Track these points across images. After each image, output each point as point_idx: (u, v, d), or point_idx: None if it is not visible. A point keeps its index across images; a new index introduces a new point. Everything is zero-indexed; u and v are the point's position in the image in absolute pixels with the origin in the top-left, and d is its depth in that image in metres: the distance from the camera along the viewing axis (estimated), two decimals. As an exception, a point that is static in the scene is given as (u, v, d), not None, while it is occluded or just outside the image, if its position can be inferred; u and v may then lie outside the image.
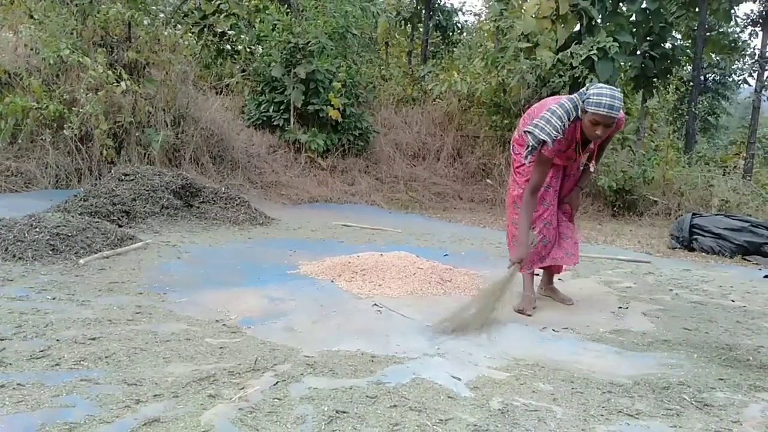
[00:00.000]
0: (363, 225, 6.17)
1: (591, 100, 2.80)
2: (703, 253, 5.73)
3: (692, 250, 5.87)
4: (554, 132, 2.84)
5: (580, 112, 2.89)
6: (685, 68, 13.21)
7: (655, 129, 13.23)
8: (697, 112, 11.75)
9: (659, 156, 9.53)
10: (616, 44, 8.26)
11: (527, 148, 2.96)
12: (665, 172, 8.93)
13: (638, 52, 10.50)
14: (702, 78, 14.89)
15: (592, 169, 3.27)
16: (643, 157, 9.47)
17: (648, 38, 10.53)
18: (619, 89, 2.97)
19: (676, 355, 2.67)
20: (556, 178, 3.32)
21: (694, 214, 6.21)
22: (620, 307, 3.40)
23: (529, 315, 3.17)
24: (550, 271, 3.58)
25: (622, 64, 9.25)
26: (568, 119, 2.89)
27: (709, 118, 17.12)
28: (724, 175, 9.48)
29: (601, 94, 2.78)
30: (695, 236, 5.91)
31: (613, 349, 2.70)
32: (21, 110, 6.21)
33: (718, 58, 15.47)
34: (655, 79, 10.98)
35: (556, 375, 2.29)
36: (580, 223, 7.69)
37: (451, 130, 10.37)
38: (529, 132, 2.93)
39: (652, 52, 10.49)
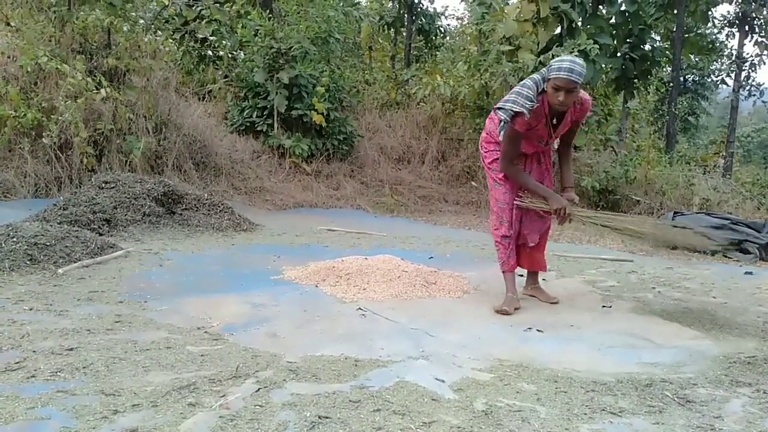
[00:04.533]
0: (348, 229, 6.14)
1: (552, 67, 2.97)
2: (685, 251, 5.78)
3: (674, 248, 5.92)
4: (528, 102, 2.96)
5: (545, 84, 3.01)
6: (664, 69, 13.36)
7: (637, 130, 13.36)
8: (677, 112, 11.89)
9: (641, 156, 9.61)
10: (597, 46, 8.33)
11: (501, 123, 3.07)
12: (647, 171, 9.01)
13: (618, 54, 10.59)
14: (681, 79, 15.08)
15: (555, 147, 3.41)
16: (626, 157, 9.56)
17: (627, 40, 10.64)
18: (581, 59, 3.14)
19: (658, 352, 2.68)
20: (529, 171, 3.36)
21: (675, 212, 6.28)
22: (604, 306, 3.42)
23: (510, 314, 3.17)
24: (535, 272, 3.61)
25: (603, 66, 9.33)
26: (537, 91, 3.01)
27: (689, 118, 17.31)
28: (704, 173, 9.59)
29: (561, 60, 2.95)
30: (677, 235, 5.96)
31: (597, 348, 2.71)
32: (-2, 119, 6.11)
33: (696, 59, 15.67)
34: (635, 81, 11.08)
35: (539, 375, 2.29)
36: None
37: (435, 133, 10.38)
38: (500, 108, 3.05)
39: (632, 54, 10.60)
